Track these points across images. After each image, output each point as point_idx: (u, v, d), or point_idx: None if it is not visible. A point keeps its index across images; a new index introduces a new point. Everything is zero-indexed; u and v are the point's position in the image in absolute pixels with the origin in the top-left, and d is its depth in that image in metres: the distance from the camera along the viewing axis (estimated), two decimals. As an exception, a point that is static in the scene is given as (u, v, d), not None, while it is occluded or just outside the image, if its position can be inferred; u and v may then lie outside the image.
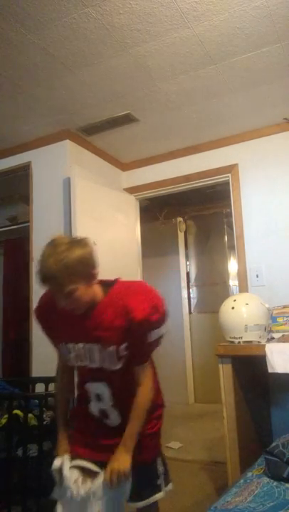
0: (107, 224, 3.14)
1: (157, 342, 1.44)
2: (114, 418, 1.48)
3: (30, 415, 2.23)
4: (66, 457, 1.46)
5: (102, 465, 1.44)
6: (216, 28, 2.02)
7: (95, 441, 1.50)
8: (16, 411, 2.28)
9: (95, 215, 3.00)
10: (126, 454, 1.40)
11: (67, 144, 3.03)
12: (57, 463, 1.46)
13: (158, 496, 1.51)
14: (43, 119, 2.84)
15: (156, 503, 1.53)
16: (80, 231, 2.79)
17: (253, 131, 3.12)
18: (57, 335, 1.51)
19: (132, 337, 1.38)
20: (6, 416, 2.25)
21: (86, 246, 1.34)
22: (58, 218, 2.96)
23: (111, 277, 1.48)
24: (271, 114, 2.89)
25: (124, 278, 1.48)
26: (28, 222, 3.15)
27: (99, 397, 1.48)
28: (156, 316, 1.38)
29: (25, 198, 3.24)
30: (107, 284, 1.45)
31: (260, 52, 2.22)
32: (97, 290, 1.41)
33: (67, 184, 2.94)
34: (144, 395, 1.43)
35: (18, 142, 3.16)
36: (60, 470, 1.44)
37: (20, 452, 2.18)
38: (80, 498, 1.38)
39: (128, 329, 1.36)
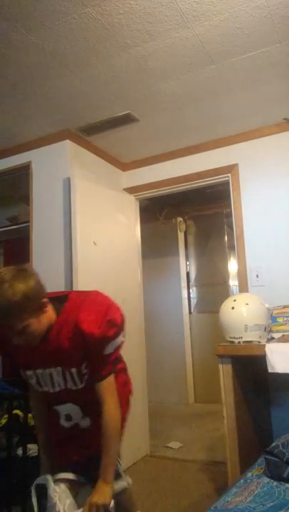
0: (107, 224, 3.14)
1: (116, 351, 1.40)
2: (85, 424, 1.47)
3: (30, 415, 2.23)
4: (48, 477, 1.45)
5: (77, 465, 1.44)
6: (216, 28, 2.02)
7: (69, 445, 1.49)
8: (16, 411, 2.28)
9: (95, 215, 3.00)
10: (106, 486, 1.36)
11: (67, 144, 3.03)
12: (37, 482, 1.46)
13: (121, 484, 1.47)
14: (43, 119, 2.84)
15: (124, 492, 1.49)
16: (80, 231, 2.79)
17: (253, 131, 3.12)
18: (15, 362, 1.47)
19: (89, 354, 1.34)
20: (6, 416, 2.25)
21: (29, 277, 1.26)
22: (58, 218, 2.96)
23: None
24: (271, 114, 2.89)
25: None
26: (28, 222, 3.14)
27: (69, 417, 1.47)
28: (113, 331, 1.34)
29: (25, 198, 3.24)
30: (59, 301, 1.39)
31: (260, 52, 2.22)
32: (50, 313, 1.34)
33: (67, 184, 2.94)
34: (110, 418, 1.37)
35: (18, 142, 3.16)
36: (39, 488, 1.43)
37: (20, 452, 2.18)
38: None
39: (86, 347, 1.32)
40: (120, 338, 1.40)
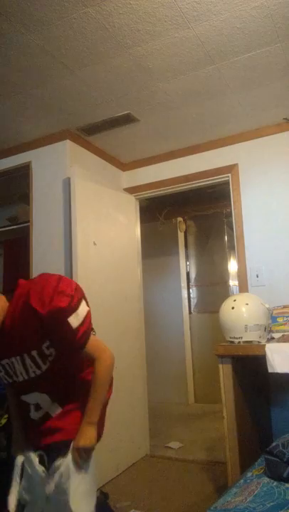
0: (107, 224, 3.14)
1: (85, 325, 1.33)
2: (55, 411, 1.44)
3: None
4: (31, 453, 1.43)
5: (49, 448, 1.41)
6: (216, 28, 2.02)
7: (39, 431, 1.46)
8: (16, 411, 2.28)
9: (95, 215, 3.00)
10: (90, 427, 1.36)
11: (67, 144, 3.03)
12: (19, 460, 1.44)
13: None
14: (43, 119, 2.84)
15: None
16: (80, 231, 2.79)
17: (253, 131, 3.12)
18: None
19: (52, 332, 1.30)
20: (6, 416, 2.25)
21: None
22: (58, 218, 2.97)
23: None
24: (271, 114, 2.89)
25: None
26: (28, 222, 3.15)
27: (38, 406, 1.44)
28: (66, 301, 1.27)
29: (25, 198, 3.24)
30: (10, 292, 1.38)
31: (260, 52, 2.22)
32: (2, 303, 1.34)
33: (67, 184, 2.94)
34: (103, 367, 1.37)
35: (18, 142, 3.17)
36: (22, 466, 1.43)
37: (20, 452, 2.17)
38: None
39: (43, 326, 1.28)
40: (83, 308, 1.34)
